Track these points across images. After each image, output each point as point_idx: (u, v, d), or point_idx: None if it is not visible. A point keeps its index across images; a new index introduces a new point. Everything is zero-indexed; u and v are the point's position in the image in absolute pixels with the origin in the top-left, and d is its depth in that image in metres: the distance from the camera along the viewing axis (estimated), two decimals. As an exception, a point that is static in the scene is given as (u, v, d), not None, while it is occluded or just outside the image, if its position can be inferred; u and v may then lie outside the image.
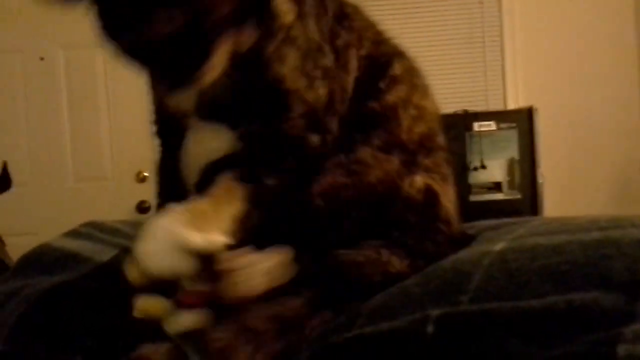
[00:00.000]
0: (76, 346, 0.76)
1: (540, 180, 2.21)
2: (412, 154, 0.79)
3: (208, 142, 0.74)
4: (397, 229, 0.75)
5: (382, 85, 0.81)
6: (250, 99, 0.73)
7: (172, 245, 0.60)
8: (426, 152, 0.80)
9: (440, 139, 0.84)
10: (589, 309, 0.50)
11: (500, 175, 2.21)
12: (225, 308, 0.61)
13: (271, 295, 0.63)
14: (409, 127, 0.80)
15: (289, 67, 0.73)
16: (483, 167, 2.17)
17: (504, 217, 0.96)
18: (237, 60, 0.68)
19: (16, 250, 2.37)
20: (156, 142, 0.86)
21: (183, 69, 0.64)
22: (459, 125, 1.91)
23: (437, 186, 0.79)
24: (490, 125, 2.18)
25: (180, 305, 0.62)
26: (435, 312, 0.54)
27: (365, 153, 0.77)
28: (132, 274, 0.62)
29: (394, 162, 0.77)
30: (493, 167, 2.20)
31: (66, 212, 2.92)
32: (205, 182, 0.70)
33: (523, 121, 2.18)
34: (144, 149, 2.53)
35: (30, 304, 0.86)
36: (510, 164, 2.21)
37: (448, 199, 0.81)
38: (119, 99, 3.08)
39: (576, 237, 0.62)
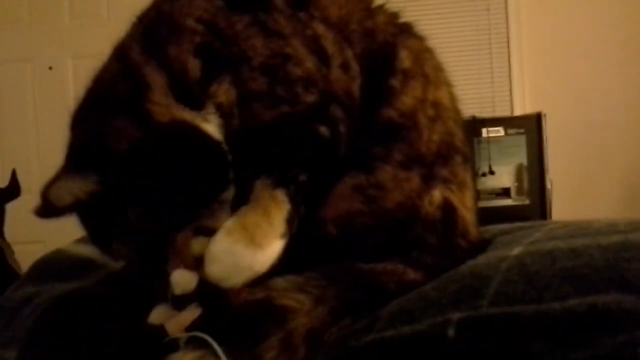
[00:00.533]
0: (92, 353, 0.76)
1: (548, 186, 2.20)
2: (430, 166, 0.75)
3: None
4: (416, 249, 0.73)
5: (395, 83, 0.75)
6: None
7: (240, 268, 0.65)
8: (443, 161, 0.77)
9: (457, 140, 0.79)
10: (611, 312, 0.50)
11: (508, 181, 2.20)
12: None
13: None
14: (429, 135, 0.75)
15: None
16: (491, 172, 2.17)
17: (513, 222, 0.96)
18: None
19: (24, 258, 2.38)
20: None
21: None
22: (468, 131, 1.90)
23: (454, 198, 0.77)
24: (499, 131, 2.18)
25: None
26: (455, 316, 0.54)
27: (385, 175, 0.73)
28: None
29: (414, 180, 0.73)
30: (501, 173, 2.19)
31: (74, 220, 2.91)
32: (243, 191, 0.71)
33: (531, 127, 2.17)
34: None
35: (45, 311, 0.86)
36: (519, 170, 2.20)
37: (465, 207, 0.78)
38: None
39: (595, 241, 0.62)
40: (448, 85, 0.83)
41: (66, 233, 1.25)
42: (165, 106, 0.69)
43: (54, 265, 0.99)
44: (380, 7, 0.82)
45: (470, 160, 0.85)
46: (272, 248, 0.66)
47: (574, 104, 3.16)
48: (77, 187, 0.69)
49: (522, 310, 0.53)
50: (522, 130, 2.18)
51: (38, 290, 0.92)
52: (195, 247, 0.69)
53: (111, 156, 0.68)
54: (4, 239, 2.34)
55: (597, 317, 0.50)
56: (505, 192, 2.20)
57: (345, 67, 0.74)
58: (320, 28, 0.74)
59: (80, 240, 1.06)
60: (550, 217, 2.22)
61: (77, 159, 0.72)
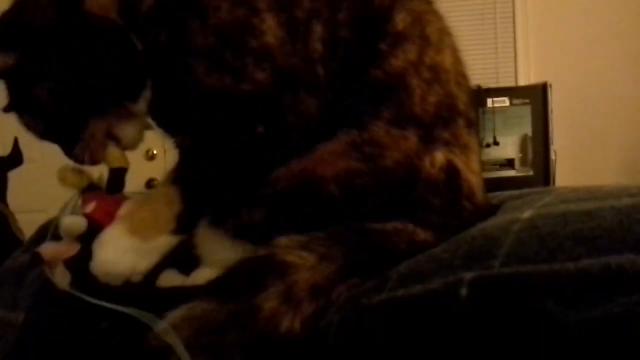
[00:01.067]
0: (101, 313, 0.76)
1: (552, 157, 2.19)
2: (429, 128, 0.74)
3: None
4: (420, 210, 0.72)
5: (383, 46, 0.74)
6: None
7: (123, 255, 0.73)
8: (444, 123, 0.76)
9: (460, 103, 0.78)
10: (625, 271, 0.50)
11: (512, 151, 2.19)
12: None
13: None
14: (422, 96, 0.74)
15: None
16: (496, 143, 2.16)
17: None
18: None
19: (26, 226, 2.39)
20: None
21: None
22: (473, 100, 1.89)
23: (457, 160, 0.76)
24: (504, 102, 2.16)
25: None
26: (468, 275, 0.54)
27: (379, 130, 0.72)
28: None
29: (410, 139, 0.73)
30: (506, 144, 2.18)
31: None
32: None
33: (537, 97, 2.15)
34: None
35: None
36: (523, 141, 2.19)
37: (470, 170, 0.78)
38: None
39: (607, 203, 0.61)
40: (453, 49, 0.81)
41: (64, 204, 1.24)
42: (104, 6, 0.74)
43: (57, 231, 0.98)
44: None
45: (475, 124, 0.84)
46: (158, 242, 0.74)
47: (578, 75, 3.13)
48: None
49: (534, 270, 0.53)
50: (527, 101, 2.16)
51: (44, 254, 0.92)
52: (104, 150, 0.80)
53: (27, 31, 0.74)
54: (7, 206, 2.34)
55: (611, 276, 0.49)
56: (509, 163, 2.19)
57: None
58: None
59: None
60: (554, 188, 2.22)
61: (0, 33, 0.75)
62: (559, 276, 0.51)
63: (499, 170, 2.17)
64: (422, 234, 0.70)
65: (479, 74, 3.06)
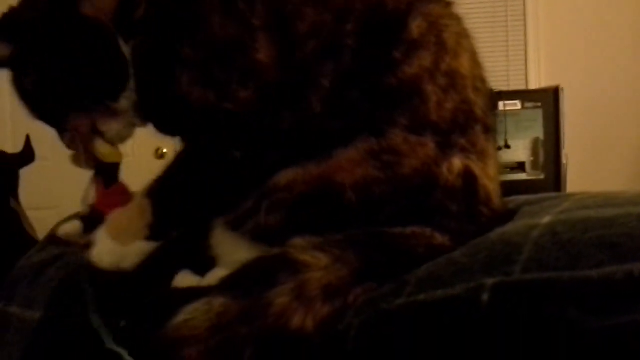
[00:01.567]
0: (119, 311, 0.77)
1: (564, 160, 2.19)
2: (446, 134, 0.74)
3: None
4: (438, 216, 0.73)
5: (397, 55, 0.74)
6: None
7: (106, 255, 0.81)
8: (461, 130, 0.76)
9: (477, 109, 0.78)
10: (648, 279, 0.50)
11: (524, 155, 2.19)
12: None
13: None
14: (438, 103, 0.74)
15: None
16: (507, 146, 2.15)
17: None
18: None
19: (37, 223, 2.40)
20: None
21: None
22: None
23: (475, 167, 0.76)
24: (516, 105, 2.16)
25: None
26: (489, 281, 0.54)
27: (396, 138, 0.72)
28: None
29: (428, 145, 0.72)
30: (517, 147, 2.18)
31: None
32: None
33: (549, 101, 2.15)
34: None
35: (70, 271, 0.87)
36: (535, 144, 2.19)
37: (487, 176, 0.77)
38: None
39: (626, 210, 0.61)
40: (471, 52, 0.81)
41: (78, 200, 1.26)
42: (99, 9, 0.79)
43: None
44: None
45: (493, 130, 0.84)
46: (134, 247, 0.80)
47: (588, 78, 3.12)
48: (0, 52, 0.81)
49: (556, 276, 0.53)
50: (539, 104, 2.15)
51: (62, 252, 0.93)
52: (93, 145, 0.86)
53: (23, 26, 0.80)
54: (19, 203, 2.36)
55: (635, 284, 0.49)
56: (520, 167, 2.19)
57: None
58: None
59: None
60: (565, 192, 2.22)
61: (3, 26, 0.82)
62: (581, 283, 0.51)
63: (510, 173, 2.17)
64: (439, 238, 0.70)
65: (490, 77, 3.04)
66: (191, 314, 0.63)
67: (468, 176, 0.75)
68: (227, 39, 0.74)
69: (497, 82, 3.02)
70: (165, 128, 0.85)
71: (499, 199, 0.80)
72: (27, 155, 2.40)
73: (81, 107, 0.83)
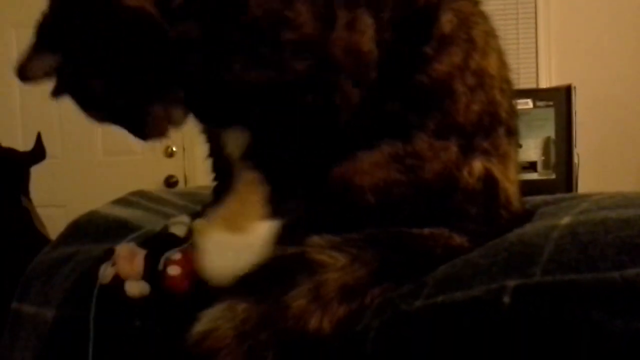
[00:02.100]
0: (133, 311, 0.77)
1: (575, 160, 2.17)
2: (470, 137, 0.73)
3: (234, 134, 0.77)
4: (457, 218, 0.72)
5: (428, 50, 0.72)
6: None
7: (226, 253, 0.70)
8: (485, 133, 0.75)
9: (502, 111, 0.77)
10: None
11: (535, 154, 2.17)
12: None
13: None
14: (467, 104, 0.73)
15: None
16: (519, 146, 2.13)
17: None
18: None
19: (46, 221, 2.41)
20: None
21: None
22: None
23: (495, 169, 0.75)
24: (527, 103, 2.14)
25: None
26: (511, 283, 0.54)
27: (422, 144, 0.71)
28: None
29: (451, 149, 0.72)
30: (528, 146, 2.16)
31: (95, 186, 2.95)
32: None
33: (561, 100, 2.12)
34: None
35: (84, 270, 0.87)
36: (546, 144, 2.17)
37: (508, 179, 0.77)
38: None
39: (647, 211, 0.61)
40: (498, 52, 0.80)
41: (88, 197, 1.26)
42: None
43: (90, 227, 0.99)
44: None
45: (516, 133, 0.83)
46: (257, 230, 0.70)
47: (599, 77, 3.09)
48: (46, 64, 0.72)
49: (578, 278, 0.52)
50: (550, 103, 2.13)
51: (76, 251, 0.93)
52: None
53: (67, 31, 0.72)
54: (30, 201, 2.37)
55: (659, 286, 0.49)
56: (531, 166, 2.17)
57: (351, 25, 0.70)
58: None
59: (115, 202, 1.07)
60: (577, 192, 2.20)
61: (44, 35, 0.73)
62: (604, 285, 0.51)
63: (521, 173, 2.15)
64: (457, 239, 0.70)
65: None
66: (215, 322, 0.62)
67: (488, 179, 0.74)
68: (270, 17, 0.69)
69: (508, 80, 3.00)
70: (216, 118, 0.77)
71: (518, 202, 0.80)
72: (38, 153, 2.41)
73: (159, 97, 0.74)
